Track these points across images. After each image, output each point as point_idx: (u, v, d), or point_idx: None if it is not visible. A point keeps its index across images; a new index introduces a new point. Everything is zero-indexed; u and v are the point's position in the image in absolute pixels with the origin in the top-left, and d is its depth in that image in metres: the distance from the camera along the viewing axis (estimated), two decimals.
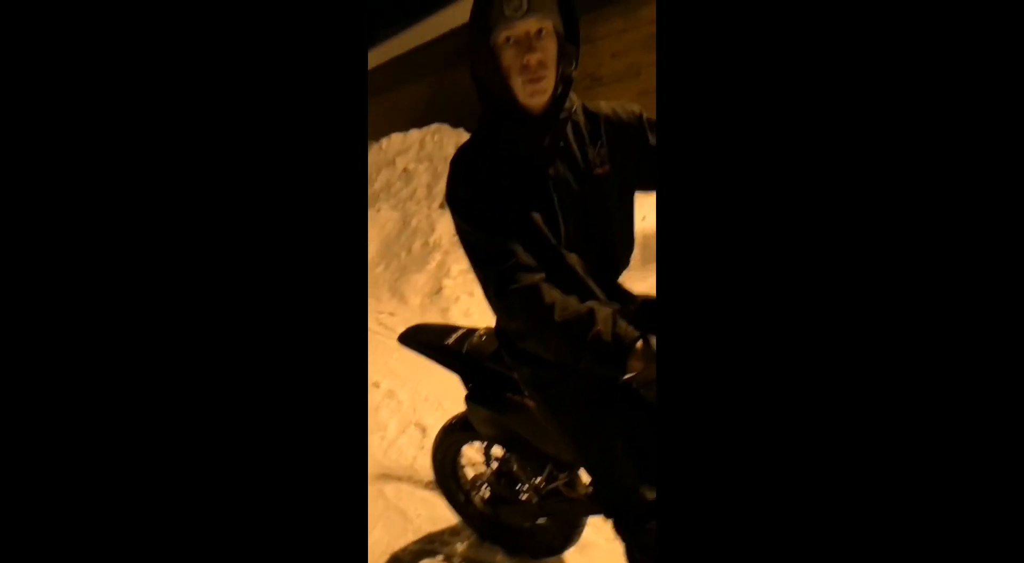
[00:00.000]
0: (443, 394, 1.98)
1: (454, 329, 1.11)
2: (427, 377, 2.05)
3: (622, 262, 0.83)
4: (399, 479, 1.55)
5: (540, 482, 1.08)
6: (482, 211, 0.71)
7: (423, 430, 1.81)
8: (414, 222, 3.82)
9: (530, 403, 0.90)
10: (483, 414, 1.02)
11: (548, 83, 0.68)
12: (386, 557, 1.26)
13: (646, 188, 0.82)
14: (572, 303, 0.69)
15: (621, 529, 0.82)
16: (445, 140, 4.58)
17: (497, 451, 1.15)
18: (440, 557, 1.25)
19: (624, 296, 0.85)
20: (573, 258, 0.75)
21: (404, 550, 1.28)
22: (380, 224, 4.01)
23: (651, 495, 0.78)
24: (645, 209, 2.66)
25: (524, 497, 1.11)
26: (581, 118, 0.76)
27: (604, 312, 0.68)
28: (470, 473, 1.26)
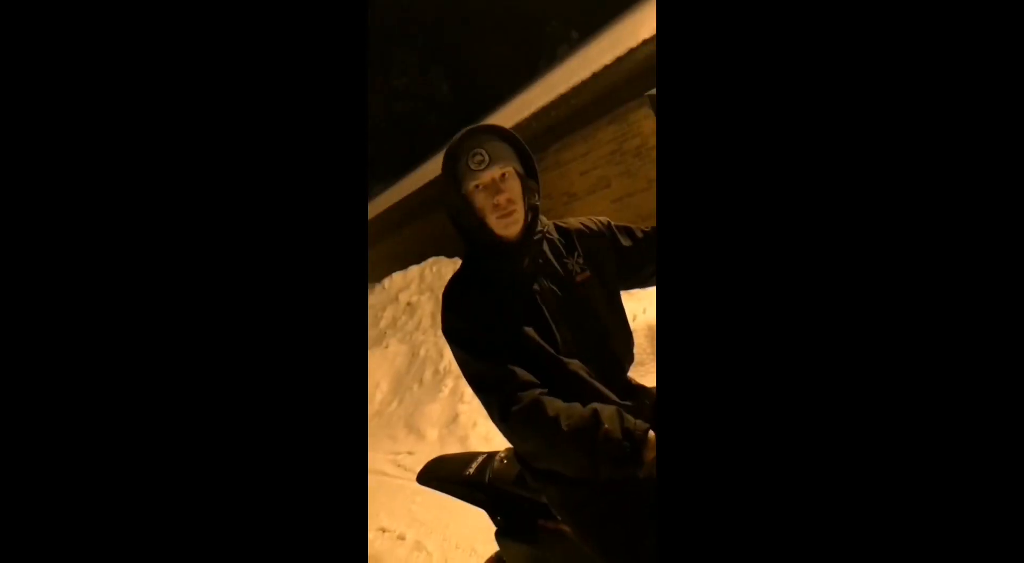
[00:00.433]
0: (475, 538, 1.78)
1: (474, 457, 1.05)
2: (455, 520, 1.87)
3: (625, 358, 0.84)
4: None
5: None
6: (477, 339, 0.75)
7: None
8: (422, 351, 3.84)
9: (565, 528, 0.82)
10: (518, 550, 0.91)
11: (519, 215, 0.77)
12: None
13: (628, 286, 0.88)
14: (576, 409, 0.69)
15: None
16: (443, 270, 4.84)
17: None
18: None
19: (636, 391, 0.83)
20: (576, 364, 0.76)
21: None
22: (390, 359, 4.02)
23: None
24: (646, 301, 2.71)
25: None
26: (555, 235, 0.85)
27: (609, 410, 0.68)
28: None
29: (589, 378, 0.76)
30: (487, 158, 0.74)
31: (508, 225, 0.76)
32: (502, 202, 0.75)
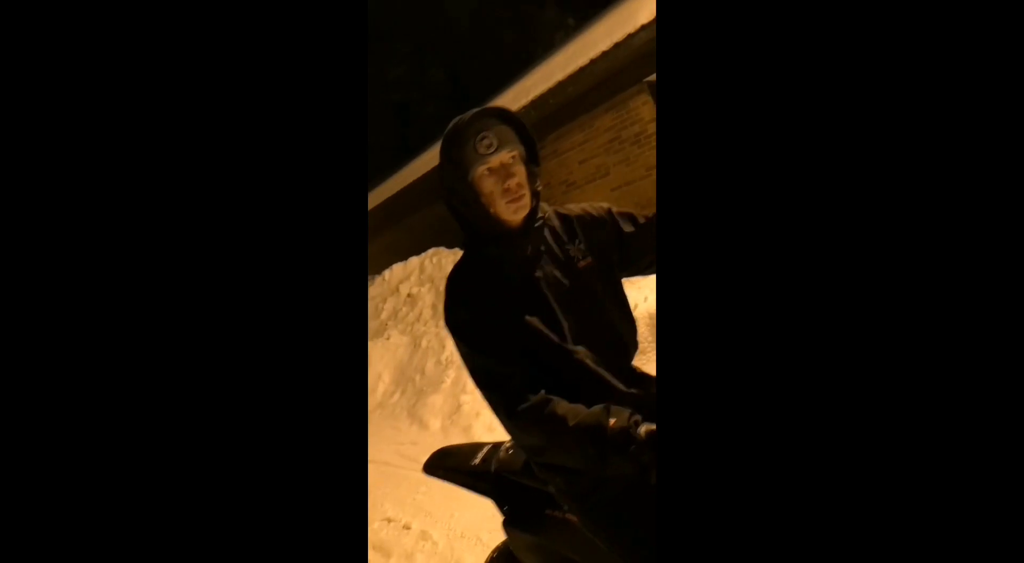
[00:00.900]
0: (480, 527, 1.80)
1: (480, 447, 1.06)
2: (461, 509, 1.89)
3: (630, 345, 0.83)
4: None
5: None
6: (480, 332, 0.74)
7: None
8: (424, 342, 3.85)
9: (572, 518, 0.82)
10: (525, 539, 0.92)
11: (527, 199, 0.76)
12: None
13: (629, 273, 0.87)
14: (582, 409, 0.69)
15: None
16: (444, 261, 4.83)
17: None
18: None
19: (640, 379, 0.83)
20: (581, 352, 0.76)
21: None
22: (392, 351, 4.03)
23: None
24: (647, 290, 2.70)
25: None
26: (556, 222, 0.84)
27: (617, 407, 0.68)
28: None
29: (595, 366, 0.76)
30: (495, 141, 0.73)
31: (517, 210, 0.75)
32: (513, 186, 0.74)
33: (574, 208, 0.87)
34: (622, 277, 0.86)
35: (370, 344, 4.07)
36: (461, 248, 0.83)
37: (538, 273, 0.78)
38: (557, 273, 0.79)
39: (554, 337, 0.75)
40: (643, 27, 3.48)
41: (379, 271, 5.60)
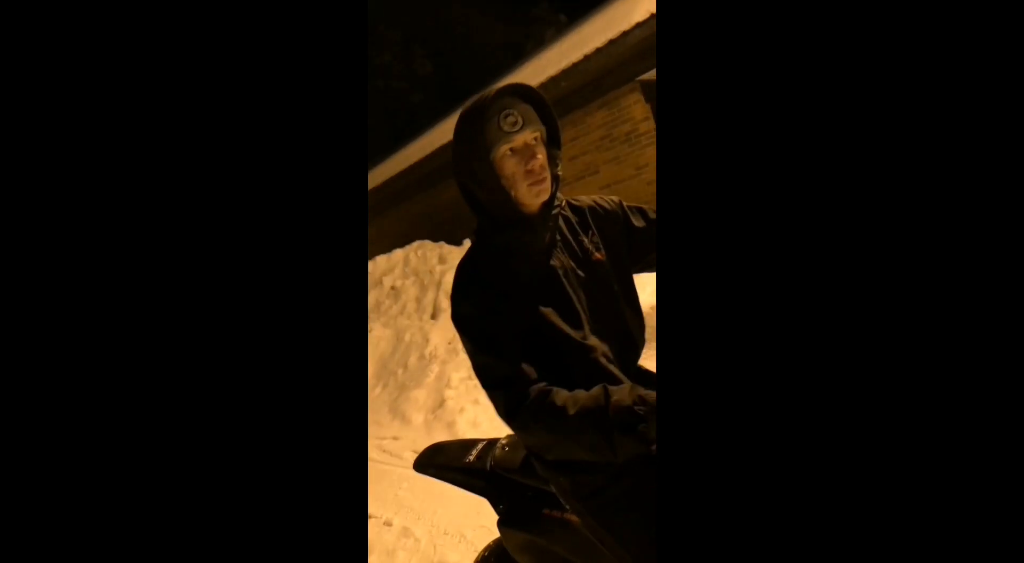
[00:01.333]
0: (464, 524, 1.77)
1: (473, 443, 1.02)
2: (444, 507, 1.86)
3: (640, 342, 0.81)
4: None
5: None
6: (485, 329, 0.70)
7: None
8: (407, 336, 3.79)
9: (573, 518, 0.80)
10: (521, 539, 0.90)
11: (548, 183, 0.72)
12: None
13: (639, 270, 0.84)
14: (582, 393, 0.66)
15: None
16: (428, 254, 4.76)
17: None
18: None
19: (647, 377, 0.81)
20: (597, 346, 0.73)
21: None
22: (374, 343, 3.96)
23: None
24: (644, 282, 2.70)
25: None
26: (569, 213, 0.80)
27: (617, 386, 0.65)
28: None
29: (607, 363, 0.73)
30: (520, 120, 0.69)
31: (539, 193, 0.71)
32: (536, 168, 0.70)
33: (585, 199, 0.84)
34: (638, 272, 0.84)
35: None
36: (471, 236, 0.79)
37: (554, 262, 0.74)
38: (572, 264, 0.75)
39: (570, 330, 0.71)
40: (638, 25, 3.47)
41: None
